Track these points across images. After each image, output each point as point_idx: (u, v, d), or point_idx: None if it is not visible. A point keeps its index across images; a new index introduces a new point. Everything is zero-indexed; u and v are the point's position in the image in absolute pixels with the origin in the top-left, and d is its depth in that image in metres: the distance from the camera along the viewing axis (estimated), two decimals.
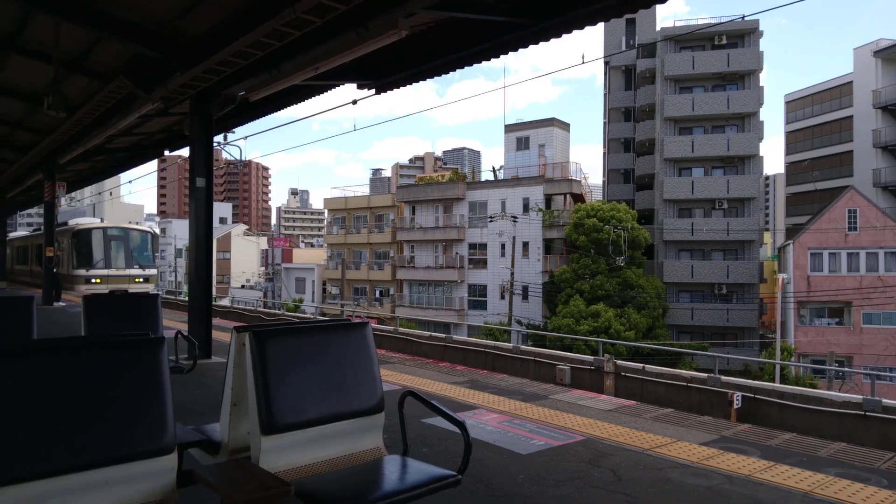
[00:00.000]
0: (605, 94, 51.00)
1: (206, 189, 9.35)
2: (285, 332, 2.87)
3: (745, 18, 37.34)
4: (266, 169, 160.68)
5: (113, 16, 7.46)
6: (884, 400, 10.63)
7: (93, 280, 23.24)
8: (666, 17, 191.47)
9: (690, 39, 41.37)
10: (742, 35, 40.77)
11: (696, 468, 4.49)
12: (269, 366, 2.69)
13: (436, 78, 8.75)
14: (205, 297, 9.36)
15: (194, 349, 5.09)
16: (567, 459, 4.68)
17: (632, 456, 4.78)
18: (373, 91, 9.38)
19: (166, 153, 16.14)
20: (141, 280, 24.57)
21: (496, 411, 6.17)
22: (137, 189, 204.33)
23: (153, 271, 25.98)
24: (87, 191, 68.76)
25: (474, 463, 4.44)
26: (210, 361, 8.84)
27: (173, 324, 12.14)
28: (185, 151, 12.76)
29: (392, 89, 9.18)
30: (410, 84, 8.95)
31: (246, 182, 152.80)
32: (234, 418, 2.92)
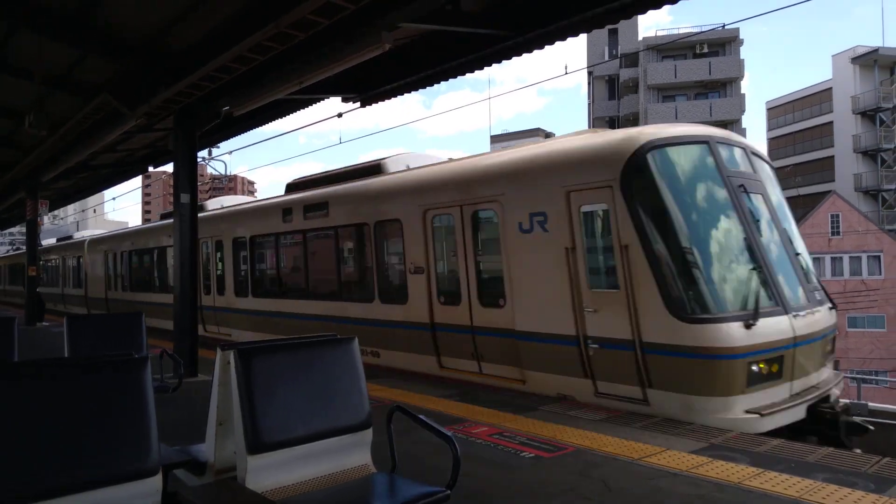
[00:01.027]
0: (588, 104, 51.36)
1: (191, 205, 9.30)
2: (270, 350, 2.85)
3: (726, 27, 37.75)
4: (252, 183, 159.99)
5: (99, 32, 7.44)
6: (870, 403, 10.68)
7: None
8: (648, 27, 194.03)
9: (672, 49, 41.82)
10: (723, 44, 41.30)
11: (686, 476, 4.49)
12: (254, 384, 2.67)
13: (421, 90, 8.78)
14: (190, 313, 9.29)
15: (179, 368, 5.03)
16: (558, 471, 4.67)
17: (622, 466, 4.77)
18: (357, 104, 9.41)
19: (150, 169, 16.05)
20: (830, 332, 7.71)
21: (486, 424, 6.15)
22: (122, 206, 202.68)
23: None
24: (71, 208, 68.09)
25: (464, 477, 4.40)
26: (196, 380, 8.76)
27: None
28: (169, 167, 12.69)
29: (377, 102, 9.21)
30: (395, 96, 8.98)
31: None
32: (219, 438, 2.89)
